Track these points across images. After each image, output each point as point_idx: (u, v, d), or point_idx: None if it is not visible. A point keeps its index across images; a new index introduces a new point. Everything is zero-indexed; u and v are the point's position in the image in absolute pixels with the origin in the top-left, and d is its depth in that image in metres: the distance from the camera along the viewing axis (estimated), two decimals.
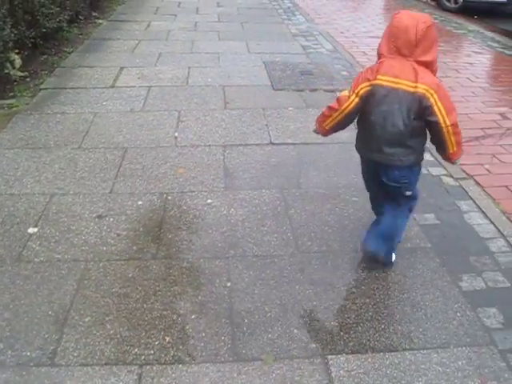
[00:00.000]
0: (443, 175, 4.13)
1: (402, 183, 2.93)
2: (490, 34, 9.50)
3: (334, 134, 3.14)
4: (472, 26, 10.09)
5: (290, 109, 5.24)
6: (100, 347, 2.46)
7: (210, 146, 4.42)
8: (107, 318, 2.63)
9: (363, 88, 2.76)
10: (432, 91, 2.63)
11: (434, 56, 2.73)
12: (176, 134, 4.61)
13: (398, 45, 2.67)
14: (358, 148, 3.08)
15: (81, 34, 7.89)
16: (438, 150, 2.92)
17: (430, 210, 3.67)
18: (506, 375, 2.42)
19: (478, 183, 4.07)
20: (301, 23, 9.37)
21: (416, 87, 2.64)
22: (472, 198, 3.84)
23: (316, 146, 4.45)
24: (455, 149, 2.80)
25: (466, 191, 3.93)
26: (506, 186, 4.07)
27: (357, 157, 4.06)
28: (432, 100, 2.63)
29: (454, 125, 2.70)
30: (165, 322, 2.62)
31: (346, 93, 2.86)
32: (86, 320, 2.62)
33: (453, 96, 5.84)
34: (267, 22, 9.33)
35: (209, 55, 7.04)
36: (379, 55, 2.79)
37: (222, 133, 4.66)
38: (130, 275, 2.92)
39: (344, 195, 3.79)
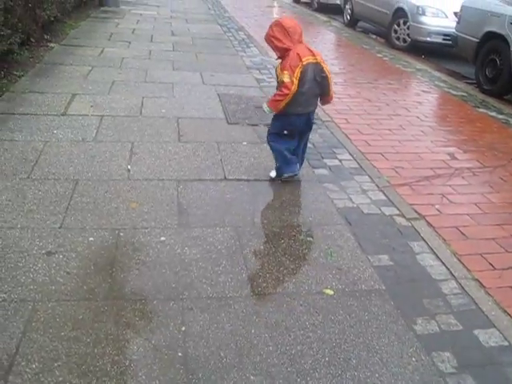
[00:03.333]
0: (396, 215, 4.19)
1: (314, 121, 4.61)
2: (437, 74, 9.82)
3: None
4: (420, 65, 10.42)
5: (244, 143, 5.23)
6: None
7: (163, 180, 4.36)
8: (56, 364, 2.51)
9: (298, 71, 4.01)
10: (321, 59, 4.15)
11: None
12: (129, 167, 4.52)
13: (297, 37, 4.06)
14: (296, 112, 4.22)
15: (32, 58, 7.72)
16: (323, 98, 4.39)
17: (383, 250, 3.70)
18: None
19: (429, 224, 4.14)
20: (255, 55, 9.46)
21: (316, 59, 4.10)
22: (424, 239, 3.90)
23: (270, 183, 4.47)
24: (332, 93, 4.33)
25: (417, 232, 3.99)
26: (456, 227, 4.15)
27: (311, 194, 4.12)
28: (322, 64, 4.14)
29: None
30: (117, 369, 2.52)
31: (287, 79, 4.01)
32: (34, 366, 2.49)
33: (403, 135, 6.10)
34: (222, 53, 9.39)
35: (163, 85, 7.00)
36: (285, 49, 4.05)
37: (175, 167, 4.60)
38: (81, 317, 2.81)
39: (298, 235, 3.79)
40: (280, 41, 4.04)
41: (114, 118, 5.63)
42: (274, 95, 4.18)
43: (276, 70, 4.26)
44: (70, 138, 5.02)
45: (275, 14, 15.84)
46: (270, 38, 4.11)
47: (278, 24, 4.06)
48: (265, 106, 4.25)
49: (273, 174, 4.56)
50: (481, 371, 2.75)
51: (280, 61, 4.17)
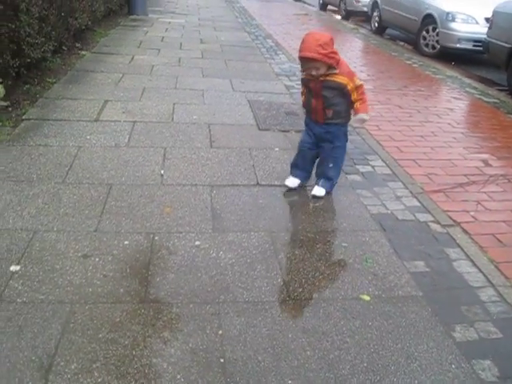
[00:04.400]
0: (430, 221, 4.13)
1: None
2: (468, 81, 9.70)
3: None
4: (450, 72, 10.32)
5: (276, 149, 5.23)
6: None
7: (196, 185, 4.37)
8: (94, 365, 2.52)
9: None
10: None
11: None
12: (162, 172, 4.54)
13: None
14: None
15: (64, 65, 7.83)
16: None
17: (419, 257, 3.65)
18: None
19: (465, 230, 4.08)
20: (283, 62, 9.48)
21: None
22: (460, 246, 3.83)
23: (302, 189, 4.44)
24: None
25: (453, 238, 3.93)
26: (493, 234, 4.08)
27: (345, 200, 4.10)
28: None
29: None
30: (155, 371, 2.52)
31: (360, 82, 4.04)
32: (73, 367, 2.50)
33: (436, 141, 6.02)
34: (250, 60, 9.42)
35: (193, 92, 7.05)
36: (339, 59, 3.94)
37: (208, 172, 4.61)
38: (118, 319, 2.82)
39: (333, 240, 3.77)
40: (337, 54, 3.93)
41: (146, 123, 5.67)
42: (364, 101, 4.07)
43: (336, 81, 4.00)
44: (103, 143, 5.07)
45: (303, 24, 15.85)
46: (330, 55, 3.85)
47: (331, 38, 3.90)
48: (364, 115, 4.10)
49: (322, 192, 4.36)
50: None
51: (332, 73, 3.97)
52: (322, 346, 2.76)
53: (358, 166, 5.03)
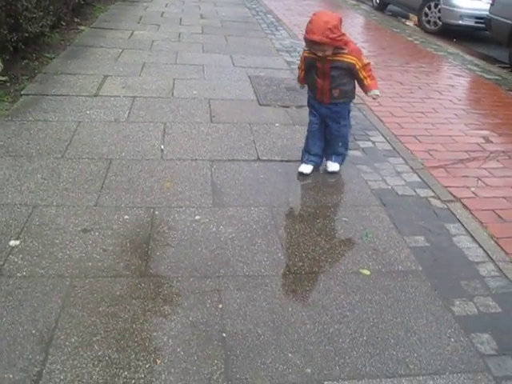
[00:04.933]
0: (431, 197, 4.12)
1: None
2: (469, 57, 9.63)
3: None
4: (451, 49, 10.24)
5: (276, 125, 5.20)
6: (88, 370, 2.35)
7: (196, 160, 4.35)
8: (95, 339, 2.53)
9: None
10: None
11: None
12: (162, 147, 4.52)
13: None
14: None
15: (63, 40, 7.77)
16: None
17: (419, 232, 3.65)
18: None
19: (465, 206, 4.07)
20: (284, 38, 9.40)
21: None
22: (460, 221, 3.83)
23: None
24: None
25: (453, 214, 3.92)
26: (493, 210, 4.08)
27: (345, 176, 4.10)
28: None
29: None
30: (155, 344, 2.52)
31: (367, 61, 4.00)
32: (73, 340, 2.51)
33: (436, 117, 5.99)
34: (251, 35, 9.35)
35: (193, 67, 7.00)
36: (347, 40, 3.83)
37: (208, 147, 4.59)
38: (118, 293, 2.83)
39: (333, 215, 3.76)
40: (345, 35, 3.81)
41: (146, 99, 5.64)
42: (372, 77, 4.05)
43: (345, 61, 3.90)
44: (102, 118, 5.04)
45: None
46: (341, 37, 3.75)
47: (340, 20, 3.76)
48: (377, 91, 4.09)
49: (337, 167, 4.38)
50: None
51: (340, 53, 3.87)
52: (322, 320, 2.77)
53: (358, 142, 5.01)
